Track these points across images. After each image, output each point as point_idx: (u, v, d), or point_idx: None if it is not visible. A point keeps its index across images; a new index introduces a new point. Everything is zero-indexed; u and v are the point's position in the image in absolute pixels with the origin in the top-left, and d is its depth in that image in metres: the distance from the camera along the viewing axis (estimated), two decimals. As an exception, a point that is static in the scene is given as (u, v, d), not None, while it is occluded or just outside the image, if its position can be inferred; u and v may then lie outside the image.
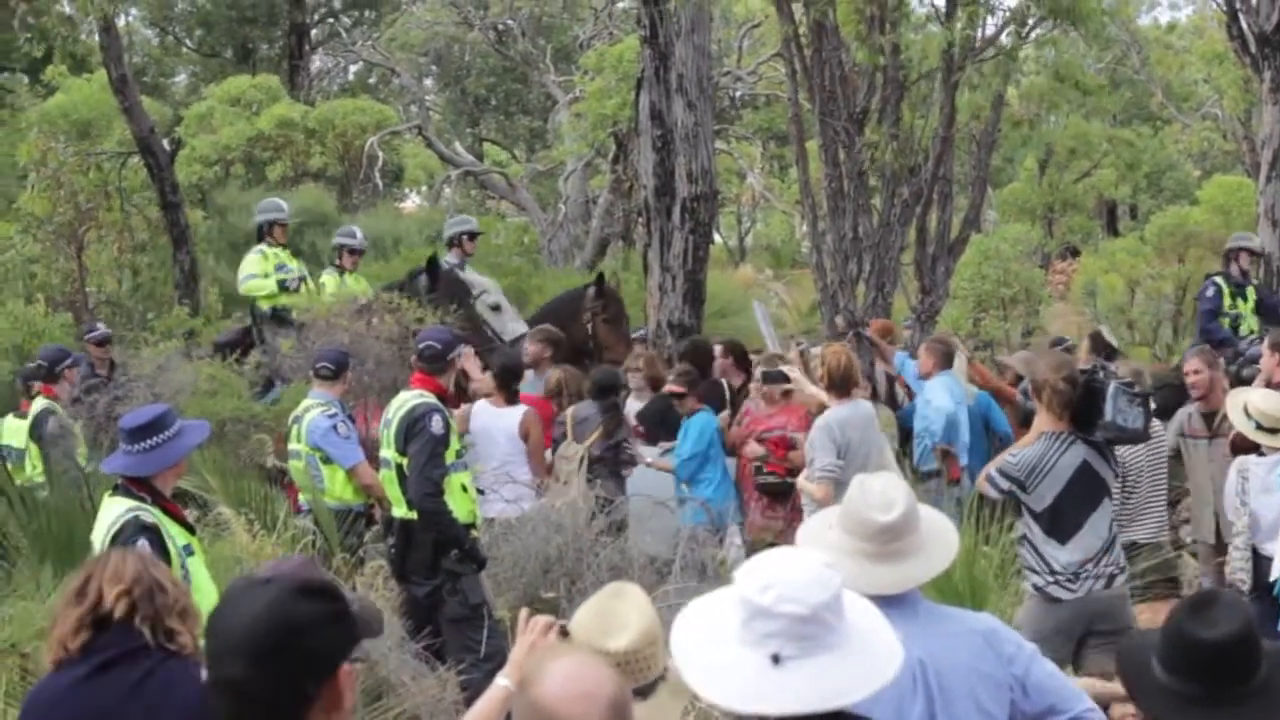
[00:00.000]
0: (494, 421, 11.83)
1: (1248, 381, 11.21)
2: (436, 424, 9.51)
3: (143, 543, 6.63)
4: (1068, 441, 8.21)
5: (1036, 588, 8.33)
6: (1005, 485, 8.34)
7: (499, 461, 11.66)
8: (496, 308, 14.69)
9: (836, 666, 3.58)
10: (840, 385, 10.58)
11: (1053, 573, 8.23)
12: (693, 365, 13.00)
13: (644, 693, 4.00)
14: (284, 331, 14.90)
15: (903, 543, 4.63)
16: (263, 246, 16.04)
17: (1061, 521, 8.21)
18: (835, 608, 3.63)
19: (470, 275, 15.28)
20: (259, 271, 15.75)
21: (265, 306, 15.81)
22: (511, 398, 11.95)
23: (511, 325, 14.55)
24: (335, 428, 11.31)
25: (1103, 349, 13.29)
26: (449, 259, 16.31)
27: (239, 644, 3.43)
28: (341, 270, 16.45)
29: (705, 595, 3.91)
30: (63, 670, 4.64)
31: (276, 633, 3.44)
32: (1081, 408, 8.24)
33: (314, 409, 11.42)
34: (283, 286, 15.66)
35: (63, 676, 4.63)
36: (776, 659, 3.55)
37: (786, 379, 12.10)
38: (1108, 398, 8.20)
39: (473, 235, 16.89)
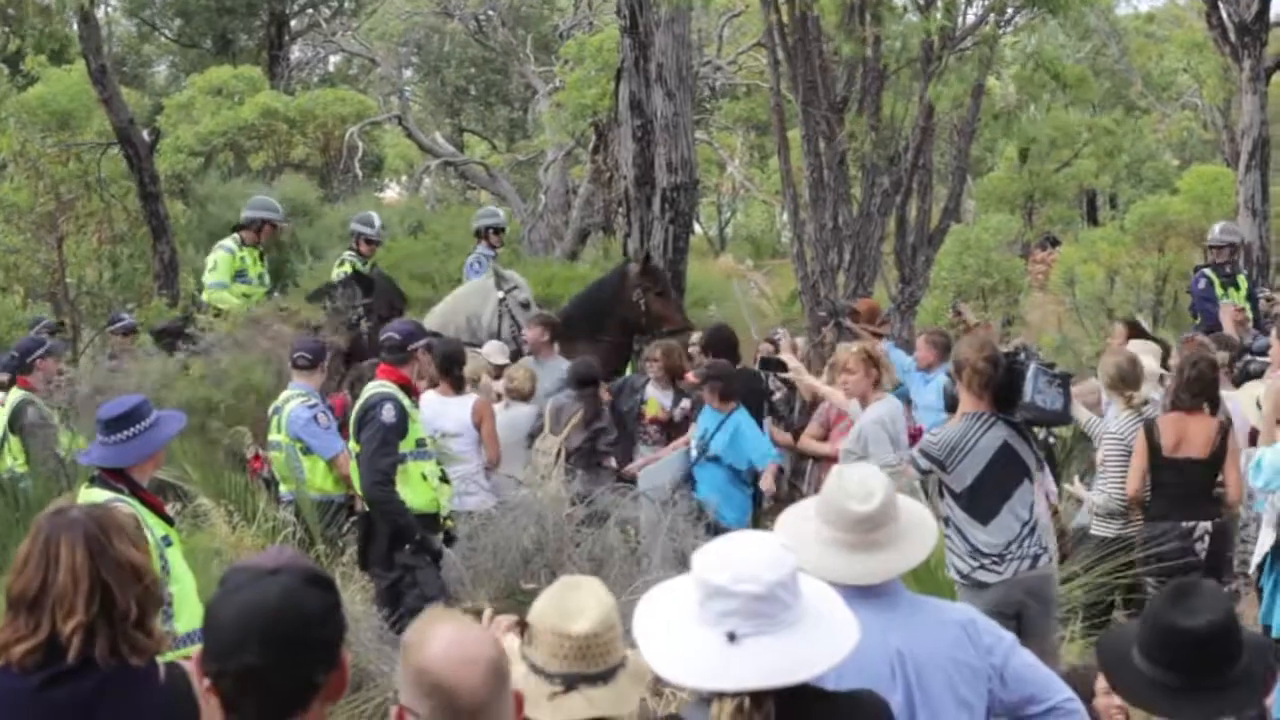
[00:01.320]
0: (442, 410, 11.74)
1: (1256, 376, 11.24)
2: (387, 412, 9.56)
3: (101, 502, 6.49)
4: (988, 422, 8.19)
5: (962, 574, 8.31)
6: (925, 465, 8.36)
7: (450, 451, 11.57)
8: (526, 305, 14.64)
9: (793, 642, 3.69)
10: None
11: (976, 554, 8.22)
12: (716, 356, 12.80)
13: (605, 678, 4.05)
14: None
15: (881, 533, 4.62)
16: (231, 245, 15.68)
17: (981, 502, 8.20)
18: (790, 586, 3.74)
19: (504, 270, 15.23)
20: (226, 279, 15.54)
21: (206, 299, 15.71)
22: (457, 385, 11.87)
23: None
24: (316, 418, 11.30)
25: (1139, 335, 13.39)
26: (480, 249, 16.52)
27: (254, 634, 3.41)
28: (365, 258, 16.41)
29: (665, 581, 4.02)
30: (9, 675, 4.49)
31: (293, 622, 3.43)
32: (1002, 388, 8.22)
33: (294, 399, 11.41)
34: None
35: (14, 682, 4.48)
36: (732, 637, 3.66)
37: (785, 367, 12.04)
38: (1027, 378, 8.21)
39: (499, 229, 16.98)
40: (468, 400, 11.79)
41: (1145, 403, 10.31)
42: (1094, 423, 10.46)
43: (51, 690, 4.46)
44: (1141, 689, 4.13)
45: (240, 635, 3.41)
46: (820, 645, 3.75)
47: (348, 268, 16.09)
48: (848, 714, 3.97)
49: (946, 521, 8.37)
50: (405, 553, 9.55)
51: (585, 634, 4.02)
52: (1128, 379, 10.18)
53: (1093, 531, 10.23)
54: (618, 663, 4.07)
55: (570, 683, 4.02)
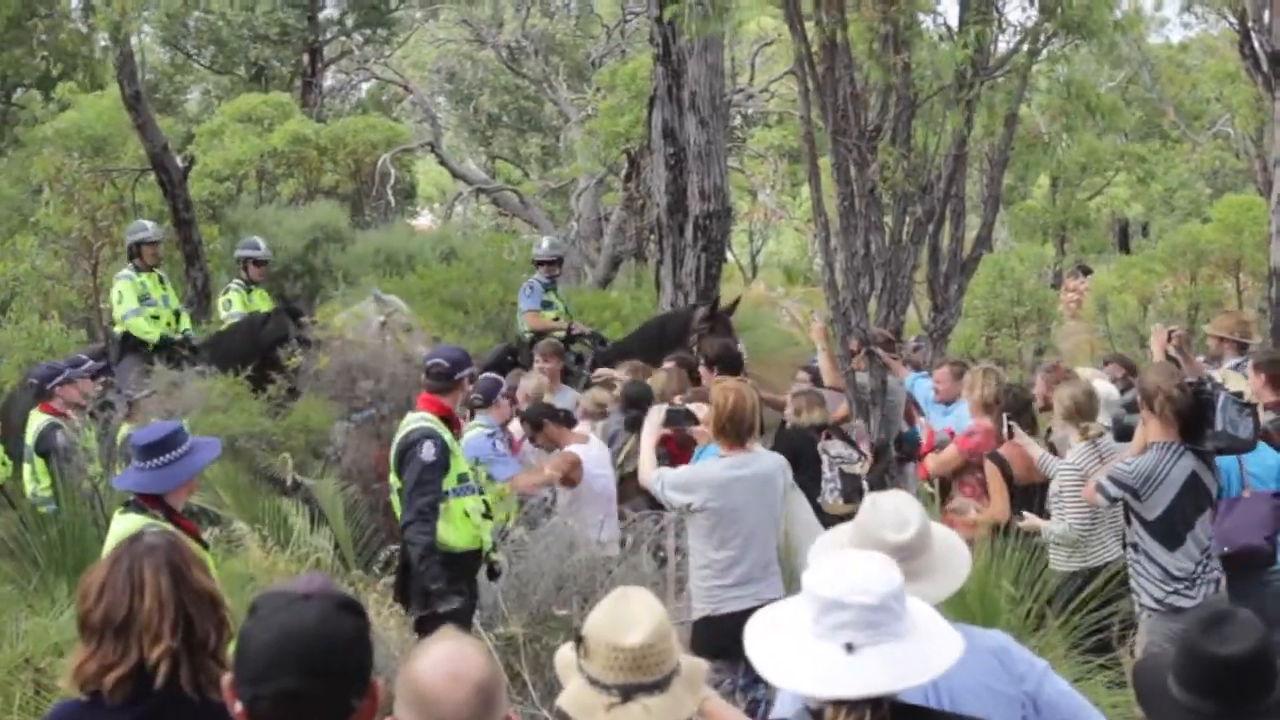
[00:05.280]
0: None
1: None
2: (427, 451, 9.28)
3: (155, 541, 6.46)
4: (1179, 452, 8.41)
5: (1157, 600, 8.50)
6: (1116, 493, 8.55)
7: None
8: (409, 329, 14.56)
9: (908, 649, 3.84)
10: (733, 431, 8.57)
11: (1171, 579, 8.44)
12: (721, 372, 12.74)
13: (660, 686, 4.10)
14: (134, 358, 15.14)
15: (917, 562, 4.61)
16: (129, 273, 15.91)
17: (1173, 529, 8.42)
18: (900, 599, 3.89)
19: (384, 295, 15.17)
20: (136, 304, 15.71)
21: (118, 331, 15.93)
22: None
23: (419, 349, 14.40)
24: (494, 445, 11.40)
25: (1126, 368, 13.32)
26: (538, 278, 16.74)
27: (293, 658, 3.44)
28: (248, 285, 16.46)
29: (776, 602, 4.20)
30: (103, 709, 4.39)
31: (330, 646, 3.47)
32: (1192, 418, 8.45)
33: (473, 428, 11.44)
34: (163, 339, 15.62)
35: (106, 717, 4.38)
36: (850, 647, 3.80)
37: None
38: (1218, 409, 8.45)
39: (543, 262, 17.17)
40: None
41: (1100, 434, 10.14)
42: (1046, 460, 10.22)
43: None
44: (1177, 718, 4.12)
45: (278, 659, 3.45)
46: (934, 650, 3.91)
47: (231, 296, 16.24)
48: None
49: (1134, 547, 8.64)
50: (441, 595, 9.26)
51: (639, 645, 4.07)
52: (1084, 410, 9.99)
53: (1055, 567, 9.66)
54: (672, 670, 4.12)
55: (627, 693, 4.06)
